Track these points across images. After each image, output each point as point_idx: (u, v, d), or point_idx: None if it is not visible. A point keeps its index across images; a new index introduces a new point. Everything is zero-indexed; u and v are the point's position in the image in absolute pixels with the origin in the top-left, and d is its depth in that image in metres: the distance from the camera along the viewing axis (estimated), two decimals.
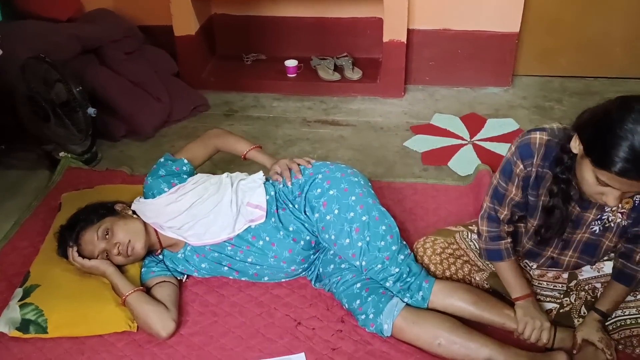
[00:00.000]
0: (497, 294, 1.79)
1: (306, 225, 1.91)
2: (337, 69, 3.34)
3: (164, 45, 3.29)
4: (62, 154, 2.67)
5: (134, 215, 1.95)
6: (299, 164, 1.99)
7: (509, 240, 1.70)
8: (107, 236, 1.85)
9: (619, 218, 1.52)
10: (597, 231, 1.57)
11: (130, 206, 2.00)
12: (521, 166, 1.52)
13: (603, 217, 1.53)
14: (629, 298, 1.64)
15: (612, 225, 1.54)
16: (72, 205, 2.04)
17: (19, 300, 1.81)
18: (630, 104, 1.26)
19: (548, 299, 1.75)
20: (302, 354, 1.73)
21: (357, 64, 3.35)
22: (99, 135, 2.76)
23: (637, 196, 1.47)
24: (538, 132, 1.49)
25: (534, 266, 1.78)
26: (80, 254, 1.87)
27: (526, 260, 1.80)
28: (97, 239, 1.85)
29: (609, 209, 1.51)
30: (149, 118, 2.93)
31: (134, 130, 2.93)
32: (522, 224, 1.70)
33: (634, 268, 1.58)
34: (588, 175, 1.33)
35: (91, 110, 2.52)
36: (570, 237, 1.61)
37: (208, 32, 3.48)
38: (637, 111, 1.23)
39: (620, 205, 1.47)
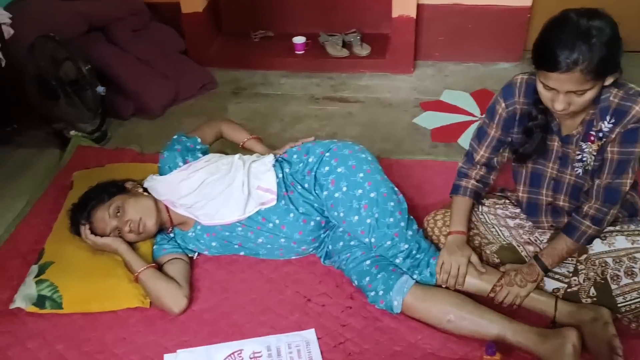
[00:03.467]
0: None
1: (315, 206, 1.91)
2: (346, 45, 3.31)
3: (171, 22, 3.27)
4: (72, 132, 2.68)
5: (145, 193, 1.97)
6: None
7: (473, 182, 1.81)
8: (118, 214, 1.87)
9: (593, 160, 1.58)
10: (581, 173, 1.63)
11: (140, 184, 2.01)
12: (503, 105, 1.66)
13: (584, 159, 1.59)
14: None
15: (589, 168, 1.60)
16: (84, 184, 2.06)
17: (35, 277, 1.84)
18: (565, 12, 1.42)
19: (557, 276, 1.75)
20: (313, 330, 1.76)
21: (366, 40, 3.32)
22: (108, 113, 2.77)
23: (605, 138, 1.53)
24: (521, 74, 1.63)
25: (544, 240, 1.78)
26: (93, 232, 1.89)
27: (536, 234, 1.81)
28: (108, 217, 1.87)
29: (587, 147, 1.57)
30: (156, 96, 2.93)
31: (142, 108, 2.93)
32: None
33: (579, 219, 1.62)
34: (538, 84, 1.47)
35: (100, 89, 2.52)
36: (560, 177, 1.67)
37: (215, 9, 3.45)
38: (564, 17, 1.40)
39: (593, 148, 1.56)
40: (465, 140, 2.63)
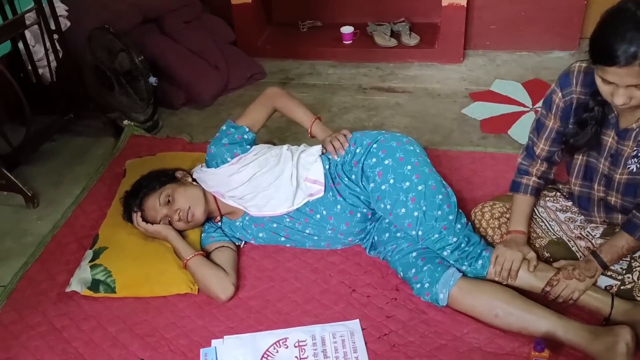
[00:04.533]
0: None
1: (362, 198, 1.90)
2: (394, 34, 3.27)
3: (221, 13, 3.32)
4: (126, 122, 2.77)
5: (194, 183, 2.01)
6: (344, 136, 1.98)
7: (534, 179, 1.76)
8: (168, 203, 1.92)
9: None
10: (635, 169, 1.55)
11: (190, 173, 2.05)
12: (560, 94, 1.60)
13: (639, 155, 1.52)
14: None
15: None
16: (136, 172, 2.12)
17: (90, 261, 1.91)
18: (623, 2, 1.35)
19: (609, 273, 1.69)
20: (357, 321, 1.76)
21: (415, 29, 3.27)
22: (160, 103, 2.84)
23: None
24: (579, 62, 1.57)
25: (597, 235, 1.72)
26: (144, 219, 1.95)
27: (588, 229, 1.75)
28: (159, 205, 1.92)
29: None
30: (207, 86, 2.98)
31: (193, 98, 2.99)
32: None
33: None
34: (597, 78, 1.41)
35: (152, 79, 2.59)
36: (612, 175, 1.60)
37: (264, 0, 3.47)
38: (621, 8, 1.33)
39: None
40: (515, 131, 2.56)
